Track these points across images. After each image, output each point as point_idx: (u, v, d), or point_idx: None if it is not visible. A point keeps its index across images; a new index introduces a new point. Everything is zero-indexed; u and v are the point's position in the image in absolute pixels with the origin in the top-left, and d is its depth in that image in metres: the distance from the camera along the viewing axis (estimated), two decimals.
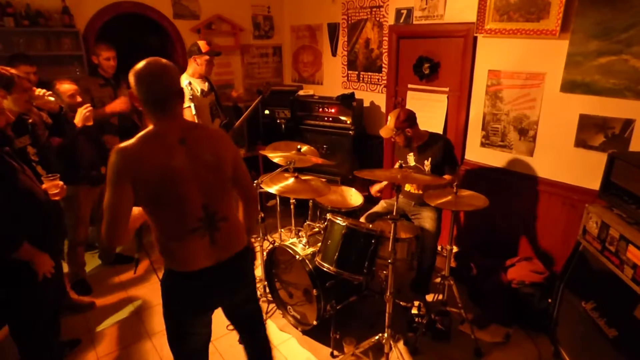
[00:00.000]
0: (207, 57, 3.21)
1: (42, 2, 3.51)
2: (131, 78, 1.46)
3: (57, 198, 2.09)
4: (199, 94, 3.25)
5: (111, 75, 3.47)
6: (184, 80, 3.20)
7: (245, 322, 1.94)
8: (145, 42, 4.96)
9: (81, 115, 2.71)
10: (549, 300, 2.61)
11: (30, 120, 2.40)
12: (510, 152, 3.21)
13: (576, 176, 2.85)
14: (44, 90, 2.50)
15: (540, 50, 2.87)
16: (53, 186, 2.08)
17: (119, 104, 3.35)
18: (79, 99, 2.84)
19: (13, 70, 2.20)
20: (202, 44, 3.24)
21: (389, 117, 2.90)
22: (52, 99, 2.53)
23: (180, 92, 1.53)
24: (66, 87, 2.82)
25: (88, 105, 2.76)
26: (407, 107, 3.87)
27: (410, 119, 2.85)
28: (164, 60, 1.49)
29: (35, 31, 3.50)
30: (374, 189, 3.21)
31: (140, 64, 1.46)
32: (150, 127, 1.49)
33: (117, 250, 3.60)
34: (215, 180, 1.57)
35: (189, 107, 3.19)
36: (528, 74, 2.97)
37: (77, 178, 2.85)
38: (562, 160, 2.91)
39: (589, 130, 2.73)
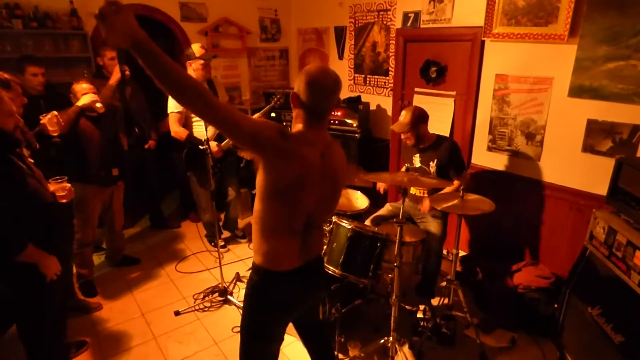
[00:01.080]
0: (202, 61, 3.15)
1: (51, 4, 3.54)
2: (303, 80, 1.46)
3: (64, 200, 2.11)
4: None
5: None
6: None
7: (313, 326, 1.91)
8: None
9: (87, 98, 2.72)
10: (555, 306, 2.60)
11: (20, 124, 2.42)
12: (517, 156, 3.20)
13: (583, 181, 2.84)
14: (49, 116, 2.53)
15: (548, 55, 2.86)
16: (60, 188, 2.10)
17: (119, 72, 3.32)
18: (94, 97, 2.83)
19: (7, 75, 2.22)
20: (196, 48, 3.17)
21: (403, 113, 2.88)
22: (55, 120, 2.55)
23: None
24: (84, 86, 2.84)
25: (53, 112, 2.60)
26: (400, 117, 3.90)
27: (423, 115, 2.86)
28: (336, 74, 1.52)
29: (44, 33, 3.53)
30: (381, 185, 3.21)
31: (317, 71, 1.47)
32: (302, 128, 1.51)
33: (124, 252, 3.62)
34: (331, 196, 1.64)
35: (178, 112, 3.21)
36: (536, 78, 2.96)
37: (85, 178, 2.87)
38: (570, 165, 2.90)
39: (597, 136, 2.72)
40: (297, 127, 1.52)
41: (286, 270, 1.56)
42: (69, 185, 2.14)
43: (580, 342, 2.30)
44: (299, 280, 1.62)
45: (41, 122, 2.53)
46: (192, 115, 3.20)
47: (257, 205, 1.52)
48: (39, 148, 2.48)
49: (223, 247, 3.77)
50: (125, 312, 2.98)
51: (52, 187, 2.08)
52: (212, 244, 3.81)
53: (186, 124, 3.31)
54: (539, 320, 2.68)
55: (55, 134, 2.56)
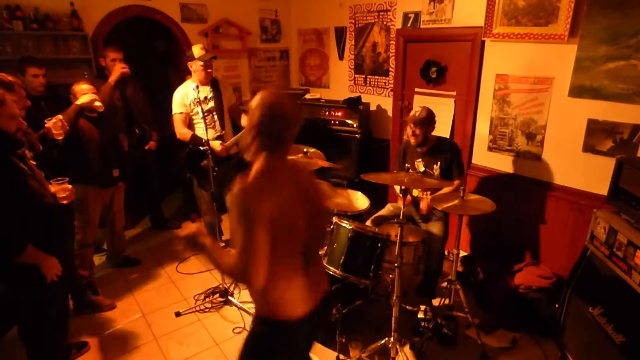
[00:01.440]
0: (201, 62, 3.09)
1: (51, 6, 3.54)
2: (263, 108, 1.41)
3: (65, 202, 2.11)
4: (187, 101, 3.15)
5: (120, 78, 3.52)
6: (190, 84, 3.16)
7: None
8: (153, 46, 5.01)
9: (86, 98, 2.72)
10: (556, 306, 2.60)
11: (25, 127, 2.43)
12: (517, 156, 3.20)
13: (584, 181, 2.84)
14: (54, 120, 2.54)
15: (549, 55, 2.86)
16: (61, 190, 2.10)
17: (118, 69, 3.39)
18: (93, 97, 2.84)
19: (11, 78, 2.25)
20: (197, 50, 3.12)
21: (417, 108, 2.86)
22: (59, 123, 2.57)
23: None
24: (83, 87, 2.84)
25: (58, 116, 2.62)
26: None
27: (434, 119, 2.85)
28: (293, 101, 1.50)
29: (44, 35, 3.53)
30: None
31: (277, 97, 1.43)
32: (265, 163, 1.42)
33: (124, 253, 3.63)
34: (318, 219, 1.58)
35: (181, 113, 3.18)
36: (536, 78, 2.96)
37: (86, 178, 2.87)
38: (570, 165, 2.90)
39: (597, 135, 2.72)
40: (260, 163, 1.42)
41: (296, 318, 1.46)
42: (70, 186, 2.15)
43: (582, 342, 2.30)
44: (310, 325, 1.52)
45: (46, 125, 2.55)
46: (194, 115, 3.19)
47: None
48: (42, 150, 2.50)
49: (224, 247, 3.76)
50: (126, 313, 2.98)
51: (53, 188, 2.08)
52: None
53: (189, 124, 3.30)
54: (540, 321, 2.67)
55: (60, 138, 2.58)
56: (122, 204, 3.33)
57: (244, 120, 3.07)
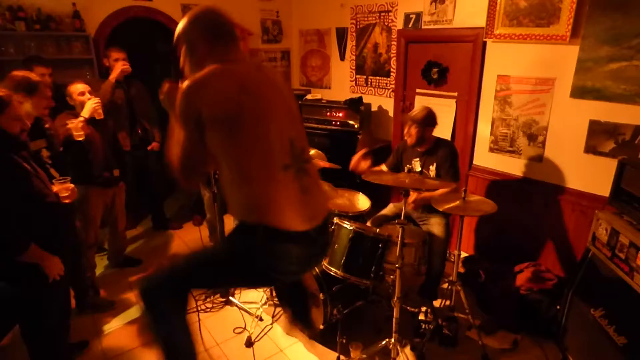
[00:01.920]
0: None
1: (54, 7, 3.56)
2: (190, 24, 1.43)
3: (67, 201, 2.12)
4: None
5: (122, 77, 3.53)
6: None
7: (300, 291, 1.77)
8: (154, 46, 5.02)
9: (89, 107, 2.72)
10: (558, 307, 2.59)
11: (47, 125, 2.46)
12: (519, 157, 3.20)
13: (586, 182, 2.83)
14: (75, 122, 2.63)
15: (550, 56, 2.86)
16: (64, 189, 2.11)
17: (119, 67, 3.41)
18: (88, 97, 2.85)
19: (37, 77, 2.30)
20: None
21: (417, 107, 2.85)
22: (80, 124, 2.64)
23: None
24: (78, 86, 2.85)
25: (97, 99, 2.76)
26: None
27: (435, 117, 2.82)
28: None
29: (47, 35, 3.55)
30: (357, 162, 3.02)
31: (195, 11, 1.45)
32: (215, 60, 1.37)
33: (125, 252, 3.63)
34: (295, 113, 1.47)
35: None
36: (537, 79, 2.96)
37: (88, 179, 2.87)
38: (572, 166, 2.89)
39: (599, 137, 2.71)
40: (208, 64, 1.36)
41: (293, 231, 1.33)
42: (72, 185, 2.15)
43: (583, 343, 2.30)
44: (308, 244, 1.40)
45: (67, 126, 2.60)
46: None
47: (227, 162, 1.34)
48: (62, 151, 2.57)
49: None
50: (126, 312, 2.98)
51: (55, 187, 2.09)
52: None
53: None
54: (542, 322, 2.67)
55: (81, 139, 2.64)
56: (123, 204, 3.33)
57: None
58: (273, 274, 1.41)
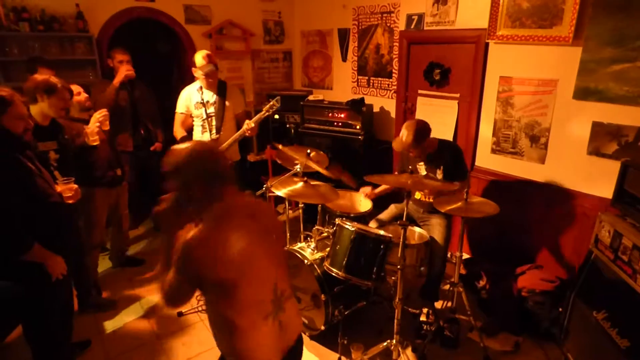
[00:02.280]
0: (202, 72, 3.06)
1: (57, 8, 3.57)
2: (183, 165, 1.36)
3: (71, 201, 2.13)
4: (190, 102, 3.18)
5: (126, 80, 3.54)
6: (195, 86, 3.19)
7: None
8: (157, 47, 5.03)
9: (95, 120, 2.72)
10: (560, 310, 2.58)
11: (66, 136, 2.52)
12: (521, 159, 3.19)
13: (588, 184, 2.82)
14: (92, 127, 2.67)
15: (553, 57, 2.85)
16: (67, 189, 2.12)
17: (123, 72, 3.43)
18: (84, 95, 2.89)
19: (56, 80, 2.38)
20: (198, 58, 3.06)
21: (403, 131, 2.70)
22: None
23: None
24: (72, 87, 2.86)
25: (104, 110, 2.77)
26: (417, 113, 3.88)
27: (426, 129, 2.70)
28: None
29: (50, 36, 3.56)
30: (367, 191, 3.11)
31: (185, 150, 1.38)
32: (211, 211, 1.36)
33: (127, 252, 3.64)
34: (281, 253, 1.53)
35: (181, 113, 3.22)
36: (540, 80, 2.95)
37: (93, 180, 2.88)
38: (574, 168, 2.88)
39: (602, 138, 2.70)
40: (207, 217, 1.35)
41: None
42: (75, 186, 2.17)
43: (585, 346, 2.29)
44: None
45: (85, 130, 2.64)
46: (195, 117, 3.21)
47: (210, 308, 1.41)
48: (77, 155, 2.64)
49: None
50: (128, 312, 2.99)
51: (59, 187, 2.10)
52: None
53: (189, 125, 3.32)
54: (544, 324, 2.66)
55: (96, 143, 2.69)
56: (126, 205, 3.34)
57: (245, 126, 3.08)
58: None
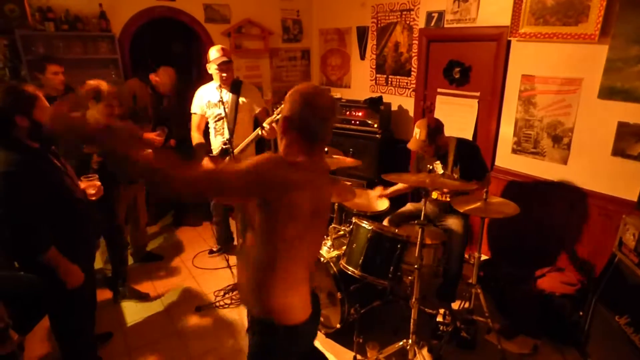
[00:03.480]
0: (215, 65, 2.98)
1: (81, 8, 3.65)
2: (299, 101, 1.33)
3: (93, 198, 2.18)
4: (203, 102, 3.15)
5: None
6: (209, 85, 3.16)
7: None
8: (176, 46, 5.10)
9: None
10: (581, 313, 2.53)
11: None
12: (542, 159, 3.13)
13: (613, 186, 2.75)
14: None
15: (578, 55, 2.78)
16: (91, 186, 2.17)
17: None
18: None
19: (106, 87, 2.52)
20: (212, 52, 3.00)
21: (416, 129, 2.74)
22: None
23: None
24: (91, 83, 2.91)
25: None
26: (436, 111, 3.84)
27: (439, 127, 2.74)
28: (331, 95, 1.44)
29: (74, 35, 3.64)
30: (380, 192, 3.11)
31: (313, 89, 1.36)
32: (302, 157, 1.34)
33: (147, 248, 3.72)
34: (325, 225, 1.54)
35: (195, 114, 3.21)
36: (564, 79, 2.88)
37: (112, 178, 2.94)
38: (598, 169, 2.81)
39: (628, 139, 2.63)
40: (294, 156, 1.33)
41: (303, 321, 1.41)
42: (98, 183, 2.21)
43: (606, 351, 2.24)
44: (314, 324, 1.50)
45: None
46: (209, 118, 3.19)
47: (261, 256, 1.33)
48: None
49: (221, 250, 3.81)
50: (148, 306, 3.05)
51: (83, 184, 2.15)
52: (219, 250, 3.80)
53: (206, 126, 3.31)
54: (563, 328, 2.61)
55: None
56: (144, 201, 3.41)
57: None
58: None
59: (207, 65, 3.06)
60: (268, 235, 1.30)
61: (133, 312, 2.99)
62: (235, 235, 3.53)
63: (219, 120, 3.12)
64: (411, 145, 2.79)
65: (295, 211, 1.28)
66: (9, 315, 1.76)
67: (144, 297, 3.13)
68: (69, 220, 2.00)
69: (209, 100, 3.12)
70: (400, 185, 3.04)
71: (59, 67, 3.17)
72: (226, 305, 3.04)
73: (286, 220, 1.28)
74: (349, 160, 2.79)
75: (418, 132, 2.72)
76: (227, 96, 3.10)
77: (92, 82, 2.51)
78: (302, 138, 1.33)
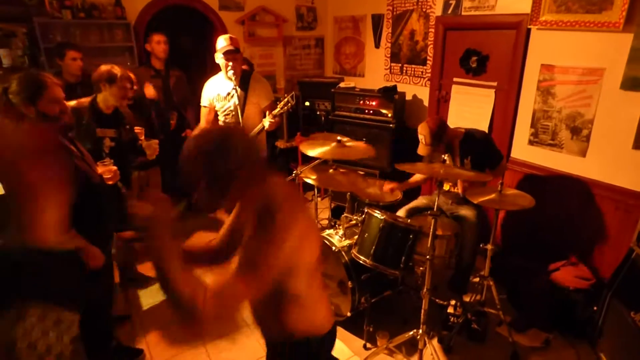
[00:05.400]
0: (221, 54, 2.87)
1: None
2: (241, 157, 1.15)
3: (110, 182, 2.22)
4: (212, 95, 3.08)
5: (163, 61, 3.64)
6: (218, 77, 3.11)
7: None
8: (190, 34, 5.10)
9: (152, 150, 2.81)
10: (594, 308, 2.50)
11: (124, 120, 2.63)
12: (560, 151, 3.06)
13: (633, 180, 2.68)
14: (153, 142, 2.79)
15: (600, 44, 2.70)
16: (107, 171, 2.21)
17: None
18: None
19: (119, 70, 2.51)
20: (220, 41, 2.88)
21: (420, 136, 2.71)
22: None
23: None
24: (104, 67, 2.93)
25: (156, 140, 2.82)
26: (452, 101, 3.79)
27: (441, 125, 2.68)
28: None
29: (90, 23, 3.68)
30: (390, 187, 3.07)
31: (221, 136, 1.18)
32: (267, 191, 1.21)
33: None
34: None
35: (204, 106, 3.16)
36: (585, 69, 2.80)
37: (125, 162, 2.98)
38: (618, 163, 2.74)
39: None
40: (261, 193, 1.19)
41: (329, 328, 1.41)
42: (115, 167, 2.25)
43: (620, 347, 2.21)
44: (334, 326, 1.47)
45: (141, 144, 2.77)
46: (218, 110, 3.15)
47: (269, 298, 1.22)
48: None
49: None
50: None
51: (100, 169, 2.19)
52: None
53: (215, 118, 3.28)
54: (576, 322, 2.58)
55: (152, 159, 2.82)
56: (159, 184, 3.45)
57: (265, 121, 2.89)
58: None
59: (215, 55, 2.96)
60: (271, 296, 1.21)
61: (149, 295, 3.05)
62: None
63: (227, 114, 3.08)
64: (421, 152, 2.78)
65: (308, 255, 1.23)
66: None
67: (147, 281, 3.17)
68: (86, 205, 2.03)
69: (218, 94, 3.06)
70: (413, 178, 3.02)
71: (78, 53, 3.22)
72: None
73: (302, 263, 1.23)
74: (362, 147, 2.76)
75: (423, 138, 2.69)
76: (233, 89, 2.96)
77: (105, 66, 2.52)
78: (249, 175, 1.17)
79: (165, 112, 3.78)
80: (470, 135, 2.82)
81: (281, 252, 1.12)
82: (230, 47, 2.85)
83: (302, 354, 1.35)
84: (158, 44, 3.59)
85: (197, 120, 4.05)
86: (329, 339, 1.43)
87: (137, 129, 2.74)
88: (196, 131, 1.21)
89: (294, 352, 1.34)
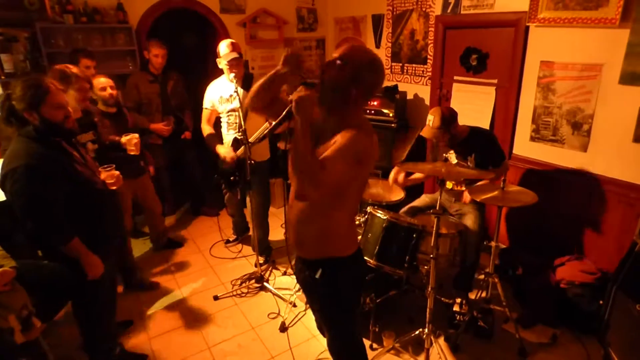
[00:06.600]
0: (225, 61, 2.91)
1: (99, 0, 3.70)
2: (374, 69, 1.52)
3: (113, 187, 2.22)
4: (215, 97, 3.10)
5: (160, 71, 3.65)
6: (220, 80, 3.13)
7: None
8: (190, 37, 5.11)
9: (132, 144, 2.79)
10: (600, 302, 2.50)
11: (96, 119, 2.58)
12: (562, 146, 3.07)
13: (634, 173, 2.69)
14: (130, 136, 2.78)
15: (598, 40, 2.71)
16: (109, 176, 2.21)
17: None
18: (109, 91, 2.92)
19: (74, 70, 2.39)
20: (222, 47, 2.92)
21: (429, 117, 2.71)
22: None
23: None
24: (101, 80, 2.92)
25: (136, 135, 2.82)
26: (453, 99, 3.80)
27: (453, 115, 2.70)
28: None
29: (92, 28, 3.69)
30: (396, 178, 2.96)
31: (368, 52, 1.54)
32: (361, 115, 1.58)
33: (167, 235, 3.79)
34: None
35: (206, 109, 3.16)
36: (584, 65, 2.81)
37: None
38: (619, 156, 2.75)
39: None
40: (364, 123, 1.53)
41: (357, 249, 1.68)
42: (117, 172, 2.25)
43: (627, 340, 2.21)
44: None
45: (122, 140, 2.77)
46: (220, 113, 3.16)
47: (327, 207, 1.54)
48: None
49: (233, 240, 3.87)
50: (167, 295, 3.12)
51: (102, 175, 2.19)
52: (235, 240, 3.88)
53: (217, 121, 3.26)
54: (582, 317, 2.58)
55: (134, 153, 2.82)
56: (153, 191, 3.41)
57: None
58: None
59: (217, 60, 2.99)
60: (339, 189, 1.49)
61: (153, 301, 3.06)
62: (250, 226, 3.57)
63: (231, 114, 3.09)
64: (425, 133, 2.76)
65: (370, 165, 1.54)
66: (33, 303, 1.79)
67: (150, 287, 3.17)
68: (89, 211, 2.03)
69: (220, 96, 3.08)
70: (417, 175, 3.02)
71: (91, 62, 3.24)
72: (243, 295, 3.09)
73: (361, 174, 1.53)
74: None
75: (432, 119, 2.68)
76: (236, 91, 2.91)
77: (59, 65, 2.39)
78: (364, 98, 1.55)
79: (163, 117, 3.79)
80: (475, 132, 2.83)
81: (367, 158, 1.47)
82: (235, 55, 2.91)
83: (345, 268, 1.62)
84: (156, 57, 3.60)
85: (196, 122, 4.08)
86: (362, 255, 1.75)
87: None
88: (352, 42, 1.51)
89: (337, 267, 1.60)
